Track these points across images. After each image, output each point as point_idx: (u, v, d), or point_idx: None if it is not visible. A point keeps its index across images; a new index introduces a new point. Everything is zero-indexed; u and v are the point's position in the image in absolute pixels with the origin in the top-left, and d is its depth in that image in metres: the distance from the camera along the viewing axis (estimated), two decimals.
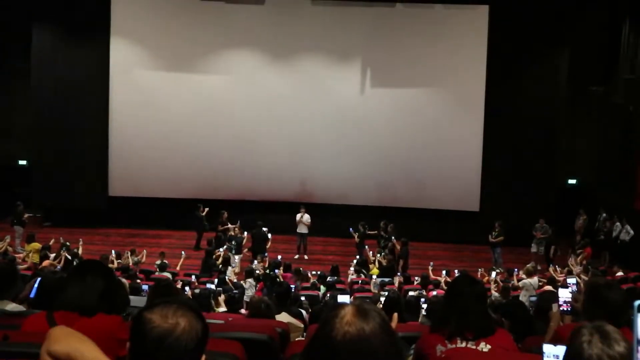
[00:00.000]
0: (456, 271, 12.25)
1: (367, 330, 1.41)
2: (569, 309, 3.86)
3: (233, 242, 14.70)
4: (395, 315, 1.67)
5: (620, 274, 12.31)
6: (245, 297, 9.80)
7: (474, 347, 2.82)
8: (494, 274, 12.34)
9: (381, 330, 1.42)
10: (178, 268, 12.83)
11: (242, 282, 11.33)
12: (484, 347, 2.82)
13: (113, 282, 2.80)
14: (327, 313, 1.50)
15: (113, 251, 13.20)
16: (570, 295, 3.85)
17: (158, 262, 12.65)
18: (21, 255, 13.02)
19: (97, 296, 2.66)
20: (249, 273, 11.40)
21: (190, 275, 11.90)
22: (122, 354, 2.58)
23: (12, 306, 3.93)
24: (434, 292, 10.03)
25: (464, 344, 2.82)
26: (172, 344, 1.53)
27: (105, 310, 2.67)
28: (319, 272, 12.42)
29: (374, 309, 1.47)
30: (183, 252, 13.62)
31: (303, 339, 4.95)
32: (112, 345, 2.57)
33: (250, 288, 10.67)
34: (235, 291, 9.03)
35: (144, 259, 13.36)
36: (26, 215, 15.94)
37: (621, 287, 3.53)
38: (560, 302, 3.84)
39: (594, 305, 3.04)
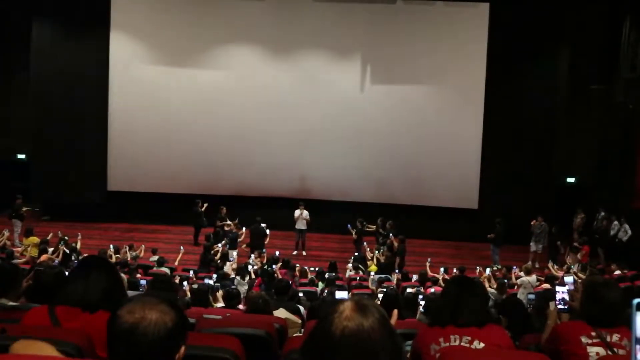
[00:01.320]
0: (455, 269, 12.26)
1: (366, 326, 1.41)
2: (566, 307, 3.86)
3: (226, 238, 14.71)
4: (395, 312, 1.67)
5: (617, 272, 12.32)
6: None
7: (467, 345, 2.83)
8: (488, 270, 12.34)
9: (380, 325, 1.43)
10: (176, 263, 12.83)
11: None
12: (478, 344, 2.83)
13: (117, 280, 2.80)
14: (326, 309, 1.50)
15: (111, 246, 13.19)
16: (567, 293, 3.85)
17: (154, 257, 12.64)
18: (19, 249, 13.02)
19: (100, 293, 2.65)
20: (240, 270, 11.44)
21: (188, 271, 11.90)
22: None
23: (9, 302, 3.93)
24: (432, 290, 10.04)
25: (457, 342, 2.84)
26: (140, 337, 1.59)
27: (106, 307, 2.67)
28: (317, 269, 12.42)
29: (373, 305, 1.47)
30: (182, 247, 13.61)
31: (301, 334, 4.95)
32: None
33: (238, 285, 10.67)
34: (233, 286, 9.04)
35: (142, 254, 13.35)
36: (24, 209, 15.94)
37: (619, 285, 3.53)
38: (557, 300, 3.85)
39: (591, 304, 3.04)
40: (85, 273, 2.70)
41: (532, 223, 15.68)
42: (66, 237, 13.02)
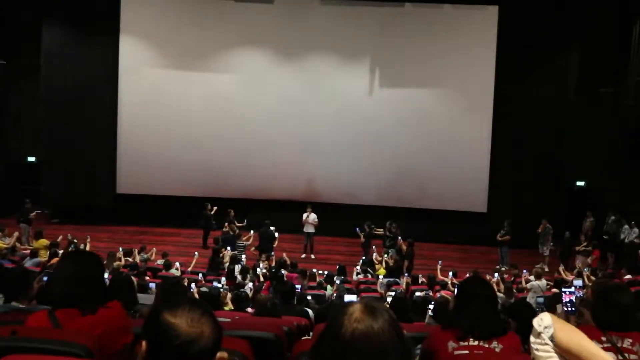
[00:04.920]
0: (468, 274, 12.18)
1: (376, 328, 1.41)
2: (572, 310, 3.84)
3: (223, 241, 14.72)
4: None
5: (628, 276, 12.23)
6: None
7: (486, 345, 2.82)
8: (496, 275, 12.27)
9: (390, 327, 1.42)
10: (189, 269, 12.77)
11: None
12: (497, 346, 2.82)
13: (86, 268, 2.75)
14: (335, 311, 1.50)
15: (120, 248, 13.21)
16: (573, 296, 3.83)
17: (161, 261, 12.64)
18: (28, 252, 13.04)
19: (71, 283, 2.64)
20: (242, 271, 11.45)
21: (197, 274, 11.89)
22: (127, 341, 2.59)
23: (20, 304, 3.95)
24: (439, 294, 9.99)
25: (476, 343, 2.82)
26: (198, 351, 1.54)
27: (101, 302, 2.67)
28: (326, 272, 12.40)
29: (383, 307, 1.47)
30: (196, 253, 13.49)
31: (309, 337, 4.94)
32: (117, 335, 2.59)
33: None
34: (242, 289, 9.04)
35: (153, 257, 13.35)
36: (34, 213, 15.98)
37: (630, 290, 3.49)
38: (565, 302, 3.83)
39: (603, 309, 3.00)
40: (57, 268, 2.73)
41: (540, 227, 15.68)
42: (75, 240, 13.06)
